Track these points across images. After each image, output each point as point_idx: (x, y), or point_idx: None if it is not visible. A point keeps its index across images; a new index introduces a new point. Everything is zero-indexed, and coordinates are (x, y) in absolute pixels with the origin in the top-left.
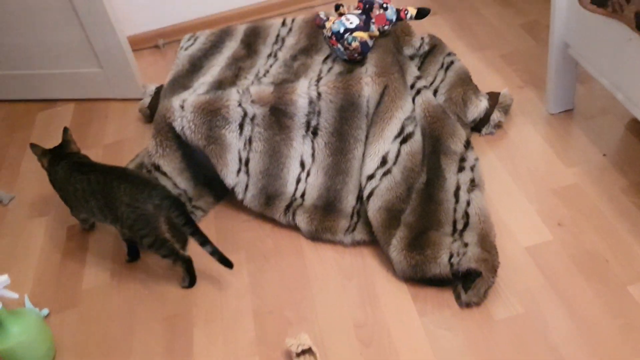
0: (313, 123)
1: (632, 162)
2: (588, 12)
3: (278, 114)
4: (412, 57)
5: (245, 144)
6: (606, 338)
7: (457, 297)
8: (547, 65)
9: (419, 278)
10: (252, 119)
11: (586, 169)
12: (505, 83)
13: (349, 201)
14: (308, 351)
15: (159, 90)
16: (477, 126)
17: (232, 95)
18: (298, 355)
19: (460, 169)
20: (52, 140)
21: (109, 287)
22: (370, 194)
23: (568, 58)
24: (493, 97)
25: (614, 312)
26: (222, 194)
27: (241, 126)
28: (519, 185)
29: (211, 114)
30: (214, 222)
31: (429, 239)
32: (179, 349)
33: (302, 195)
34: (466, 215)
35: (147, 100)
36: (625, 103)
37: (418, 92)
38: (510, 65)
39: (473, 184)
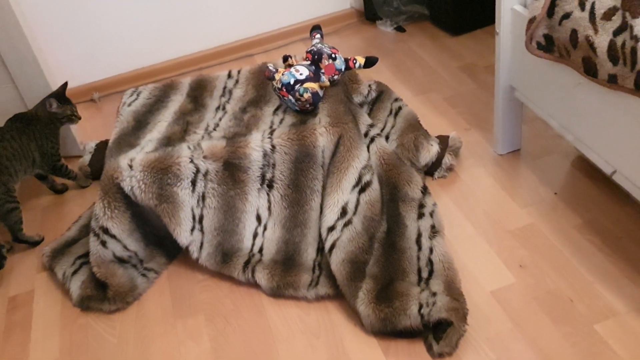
0: (268, 176)
1: (582, 199)
2: (534, 57)
3: (232, 169)
4: (361, 105)
5: (198, 201)
6: None
7: (429, 349)
8: (490, 107)
9: (389, 331)
10: (205, 174)
11: (539, 209)
12: (451, 126)
13: (309, 254)
14: None
15: (99, 146)
16: (429, 170)
17: (183, 151)
18: None
19: (420, 215)
20: None
21: None
22: (332, 246)
23: (514, 100)
24: (443, 141)
25: (583, 353)
26: (175, 252)
27: (194, 183)
28: (477, 229)
29: (162, 171)
30: (167, 283)
31: (396, 290)
32: None
33: (260, 250)
34: (430, 262)
35: (87, 157)
36: (577, 144)
37: (372, 140)
38: (454, 107)
39: (434, 230)
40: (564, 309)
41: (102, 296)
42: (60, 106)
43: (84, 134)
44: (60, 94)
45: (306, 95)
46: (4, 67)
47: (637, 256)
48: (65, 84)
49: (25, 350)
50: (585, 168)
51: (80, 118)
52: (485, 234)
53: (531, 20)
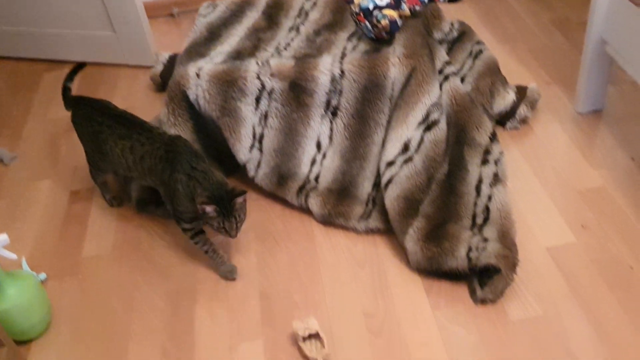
0: (333, 102)
1: None
2: (632, 7)
3: (297, 90)
4: (440, 42)
5: (260, 119)
6: (626, 348)
7: (472, 293)
8: (577, 65)
9: (434, 270)
10: (270, 93)
11: (613, 172)
12: (532, 78)
13: (365, 187)
14: (315, 336)
15: (172, 58)
16: (502, 120)
17: (251, 66)
18: (304, 339)
19: (484, 161)
20: (57, 103)
21: (110, 258)
22: (389, 181)
23: (603, 55)
24: (521, 91)
25: (636, 321)
26: (233, 169)
27: (258, 100)
28: (543, 184)
29: (227, 84)
30: None
31: (447, 232)
32: (179, 325)
33: (317, 178)
34: (487, 210)
35: (159, 68)
36: None
37: (446, 78)
38: (538, 60)
39: (496, 179)
40: (623, 275)
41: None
42: None
43: (161, 46)
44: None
45: (384, 22)
46: None
47: None
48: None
49: (80, 241)
50: None
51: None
52: (550, 190)
53: None
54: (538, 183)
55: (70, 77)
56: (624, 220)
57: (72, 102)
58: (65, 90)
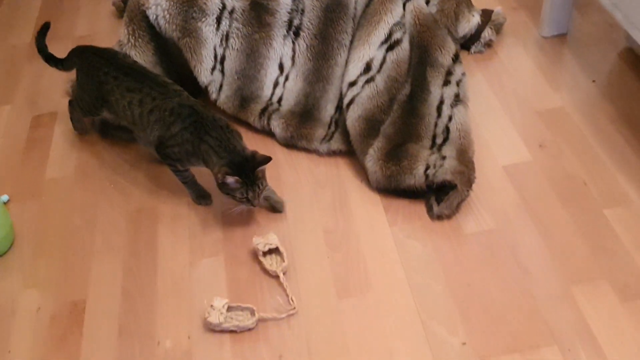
0: (295, 22)
1: (621, 90)
2: None
3: (259, 9)
4: None
5: (221, 40)
6: (575, 258)
7: (429, 210)
8: None
9: (393, 189)
10: (231, 12)
11: (574, 94)
12: (498, 2)
13: (328, 110)
14: (275, 251)
15: None
16: (467, 44)
17: None
18: (264, 254)
19: (446, 82)
20: (19, 27)
21: (73, 179)
22: (351, 102)
23: None
24: (486, 14)
25: (586, 234)
26: (194, 93)
27: (218, 20)
28: (504, 105)
29: (188, 3)
30: None
31: (407, 151)
32: (142, 243)
33: (279, 100)
34: (447, 130)
35: None
36: (624, 23)
37: None
38: None
39: (457, 99)
40: (577, 191)
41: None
42: None
43: None
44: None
45: None
46: None
47: None
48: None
49: (43, 164)
50: (633, 61)
51: None
52: (510, 111)
53: None
54: (499, 104)
55: (41, 40)
56: (581, 140)
57: (75, 53)
58: (43, 52)
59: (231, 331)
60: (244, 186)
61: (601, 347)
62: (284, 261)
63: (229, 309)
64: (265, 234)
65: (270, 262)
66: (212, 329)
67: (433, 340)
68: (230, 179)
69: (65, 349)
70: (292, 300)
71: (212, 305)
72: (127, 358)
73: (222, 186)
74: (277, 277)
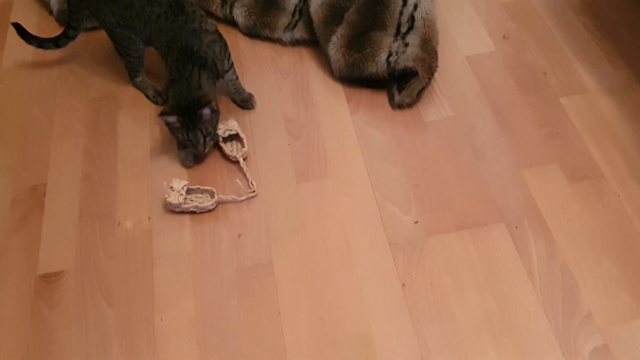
0: None
1: None
2: None
3: None
4: None
5: None
6: (529, 143)
7: (391, 99)
8: None
9: (355, 77)
10: None
11: None
12: None
13: None
14: (235, 137)
15: None
16: None
17: None
18: (224, 140)
19: None
20: None
21: (31, 68)
22: None
23: None
24: None
25: (541, 120)
26: None
27: None
28: None
29: None
30: None
31: (370, 39)
32: (102, 129)
33: None
34: (412, 18)
35: None
36: None
37: None
38: None
39: None
40: (536, 80)
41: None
42: None
43: None
44: None
45: None
46: None
47: (626, 42)
48: None
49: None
50: None
51: None
52: (476, 2)
53: None
54: None
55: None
56: (544, 32)
57: None
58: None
59: (191, 212)
60: (184, 127)
61: (547, 224)
62: (244, 147)
63: (189, 190)
64: (226, 121)
65: (230, 148)
66: (172, 209)
67: (387, 219)
68: (171, 119)
69: (25, 230)
70: (252, 184)
71: (171, 187)
72: (88, 238)
73: (167, 124)
74: (237, 162)
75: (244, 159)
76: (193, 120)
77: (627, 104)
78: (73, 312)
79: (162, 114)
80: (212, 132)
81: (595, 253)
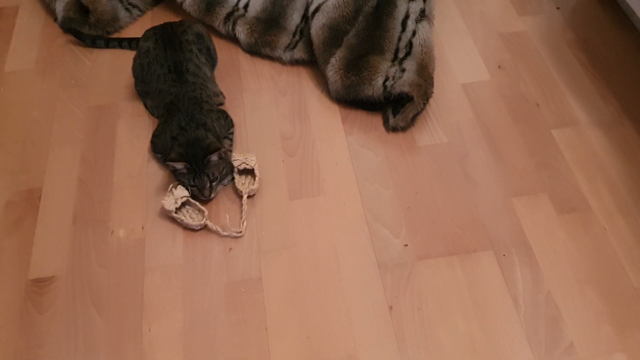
0: None
1: (583, 18)
2: None
3: None
4: None
5: None
6: (520, 172)
7: (385, 121)
8: None
9: (352, 99)
10: None
11: (537, 20)
12: None
13: (294, 19)
14: (249, 172)
15: None
16: None
17: None
18: (239, 172)
19: None
20: None
21: (33, 73)
22: (316, 10)
23: None
24: None
25: (532, 150)
26: None
27: None
28: (468, 26)
29: None
30: (150, 23)
31: (368, 62)
32: (101, 137)
33: (246, 6)
34: (410, 44)
35: None
36: None
37: None
38: None
39: (423, 14)
40: (528, 111)
41: (84, 20)
42: None
43: None
44: None
45: None
46: None
47: (618, 78)
48: None
49: (2, 56)
50: None
51: None
52: (474, 32)
53: None
54: (463, 24)
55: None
56: (539, 64)
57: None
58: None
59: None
60: (191, 173)
61: (534, 254)
62: (253, 185)
63: (185, 203)
64: (247, 153)
65: (242, 182)
66: (164, 212)
67: (377, 240)
68: (179, 165)
69: (18, 234)
70: (242, 224)
71: (172, 191)
72: (80, 244)
73: (173, 171)
74: (240, 196)
75: (248, 197)
76: (200, 166)
77: (616, 138)
78: (62, 318)
79: (169, 159)
80: (219, 178)
81: (580, 284)
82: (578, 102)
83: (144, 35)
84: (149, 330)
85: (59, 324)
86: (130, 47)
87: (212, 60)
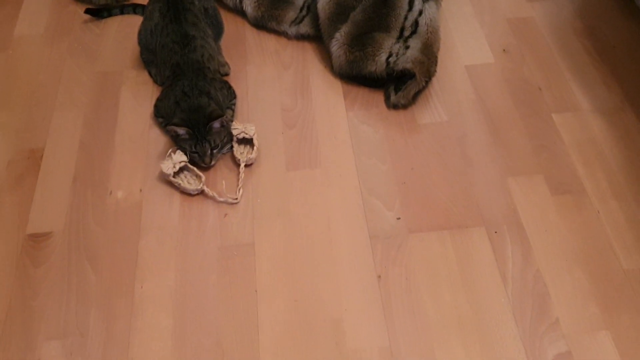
0: None
1: (593, 6)
2: None
3: None
4: None
5: None
6: (518, 154)
7: (387, 99)
8: None
9: (354, 75)
10: None
11: (545, 6)
12: None
13: None
14: (248, 141)
15: None
16: None
17: None
18: (238, 141)
19: None
20: None
21: (42, 38)
22: None
23: None
24: None
25: (532, 133)
26: None
27: None
28: (476, 9)
29: None
30: None
31: (373, 39)
32: (104, 102)
33: None
34: (416, 23)
35: None
36: None
37: None
38: None
39: None
40: (531, 95)
41: None
42: None
43: None
44: None
45: None
46: None
47: (622, 66)
48: None
49: (13, 20)
50: None
51: None
52: (481, 15)
53: None
54: (471, 7)
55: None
56: (544, 50)
57: None
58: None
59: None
60: (193, 139)
61: (526, 233)
62: (251, 154)
63: (183, 168)
64: (246, 123)
65: (240, 151)
66: (163, 176)
67: (370, 212)
68: (181, 130)
69: (19, 191)
70: (239, 192)
71: (171, 155)
72: (79, 203)
73: (175, 137)
74: (238, 165)
75: (245, 165)
76: (202, 132)
77: (617, 125)
78: (57, 273)
79: (171, 124)
80: (220, 145)
81: (569, 263)
82: (581, 88)
83: (150, 0)
84: (141, 287)
85: (54, 278)
86: (144, 13)
87: (218, 28)
